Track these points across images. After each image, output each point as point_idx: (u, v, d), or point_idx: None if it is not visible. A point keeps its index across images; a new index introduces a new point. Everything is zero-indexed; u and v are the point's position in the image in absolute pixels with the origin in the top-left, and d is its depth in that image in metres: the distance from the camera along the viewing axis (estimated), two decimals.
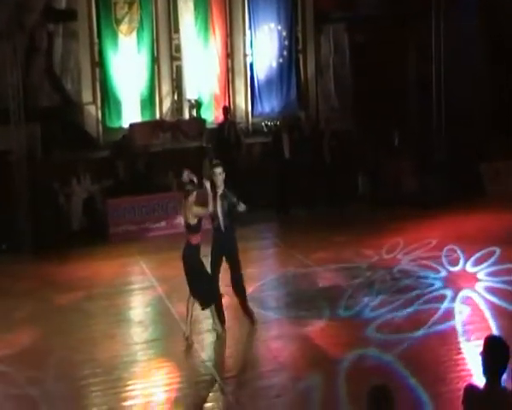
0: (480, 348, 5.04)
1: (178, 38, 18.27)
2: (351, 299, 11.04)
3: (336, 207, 16.32)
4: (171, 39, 18.35)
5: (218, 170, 9.81)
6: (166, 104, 18.26)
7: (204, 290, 9.72)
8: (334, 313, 10.55)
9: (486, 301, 10.60)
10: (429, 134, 17.70)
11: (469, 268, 12.12)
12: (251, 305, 10.93)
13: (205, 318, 10.68)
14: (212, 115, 18.30)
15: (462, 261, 12.42)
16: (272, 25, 18.80)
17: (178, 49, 18.30)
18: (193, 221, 9.58)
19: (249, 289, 11.53)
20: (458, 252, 12.81)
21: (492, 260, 12.34)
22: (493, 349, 5.01)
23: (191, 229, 9.63)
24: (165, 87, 18.28)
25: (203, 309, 9.90)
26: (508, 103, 17.75)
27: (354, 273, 12.14)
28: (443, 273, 11.89)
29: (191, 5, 18.14)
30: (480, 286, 11.25)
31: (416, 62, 19.06)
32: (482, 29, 18.99)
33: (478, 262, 12.30)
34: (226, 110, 17.70)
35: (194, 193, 9.59)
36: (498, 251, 12.64)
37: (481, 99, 18.27)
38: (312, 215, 16.30)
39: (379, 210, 16.11)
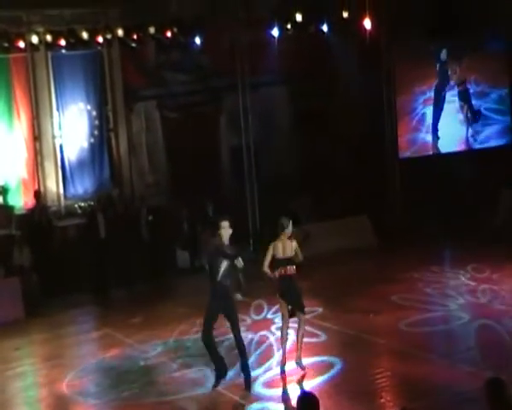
0: None
1: None
2: (175, 373, 10.78)
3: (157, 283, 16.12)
4: None
5: (226, 224, 9.70)
6: None
7: None
8: (158, 391, 10.20)
9: None
10: (243, 203, 18.06)
11: None
12: (70, 393, 10.43)
13: None
14: (21, 201, 17.56)
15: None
16: (81, 105, 18.44)
17: None
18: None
19: (67, 377, 11.00)
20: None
21: None
22: (304, 405, 5.21)
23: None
24: None
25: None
26: (315, 168, 18.52)
27: (179, 348, 11.90)
28: None
29: None
30: None
31: (227, 134, 19.50)
32: (289, 98, 19.82)
33: None
34: (37, 194, 17.15)
35: None
36: None
37: (290, 165, 18.95)
38: (132, 294, 16.01)
39: (199, 282, 15.99)
